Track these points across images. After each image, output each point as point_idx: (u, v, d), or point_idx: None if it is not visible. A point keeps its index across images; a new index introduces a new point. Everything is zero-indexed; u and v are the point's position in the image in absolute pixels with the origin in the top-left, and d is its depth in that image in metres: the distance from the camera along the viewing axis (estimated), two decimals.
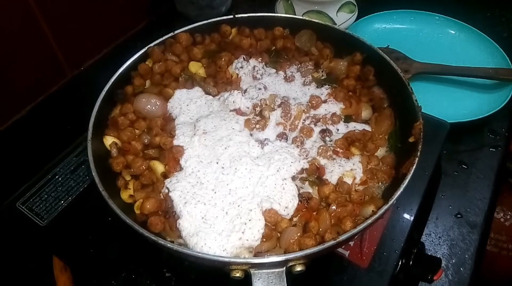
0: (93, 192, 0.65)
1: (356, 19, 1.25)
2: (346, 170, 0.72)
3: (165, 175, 0.72)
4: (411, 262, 0.76)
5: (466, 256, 0.84)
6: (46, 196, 0.87)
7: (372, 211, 0.65)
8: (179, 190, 0.68)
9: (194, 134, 0.75)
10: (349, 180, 0.71)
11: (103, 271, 0.79)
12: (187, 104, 0.82)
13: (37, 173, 0.90)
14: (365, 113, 0.82)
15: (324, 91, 0.85)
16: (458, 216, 0.90)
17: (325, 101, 0.83)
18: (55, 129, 1.03)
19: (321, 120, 0.80)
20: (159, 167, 0.73)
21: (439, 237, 0.87)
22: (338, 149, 0.75)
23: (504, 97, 1.02)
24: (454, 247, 0.86)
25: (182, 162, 0.72)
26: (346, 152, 0.75)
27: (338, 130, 0.79)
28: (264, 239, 0.64)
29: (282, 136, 0.77)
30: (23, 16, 0.98)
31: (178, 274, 0.77)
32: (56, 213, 0.85)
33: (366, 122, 0.81)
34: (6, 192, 0.88)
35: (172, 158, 0.73)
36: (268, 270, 0.58)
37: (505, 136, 1.03)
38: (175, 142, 0.74)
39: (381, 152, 0.78)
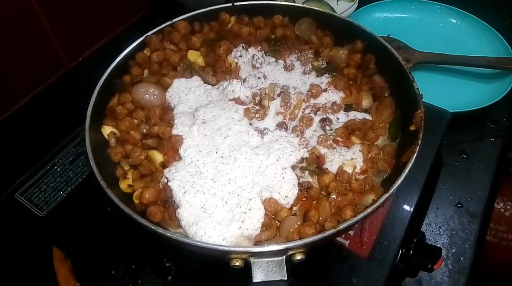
0: (92, 183, 0.65)
1: (357, 8, 1.23)
2: (346, 159, 0.72)
3: (164, 165, 0.72)
4: (411, 252, 0.76)
5: (466, 245, 0.84)
6: (45, 186, 0.87)
7: (373, 200, 0.65)
8: (178, 179, 0.67)
9: (193, 124, 0.74)
10: (349, 169, 0.71)
11: (103, 261, 0.79)
12: (185, 93, 0.81)
13: (36, 164, 0.90)
14: (366, 102, 0.81)
15: (324, 80, 0.84)
16: (459, 206, 0.90)
17: (325, 90, 0.82)
18: (54, 120, 1.02)
19: (321, 109, 0.79)
20: (158, 156, 0.73)
21: (439, 226, 0.87)
22: (338, 138, 0.74)
23: (506, 86, 1.01)
24: (454, 236, 0.86)
25: (181, 151, 0.72)
26: (346, 141, 0.74)
27: (338, 119, 0.78)
28: (263, 228, 0.64)
29: (281, 126, 0.77)
30: (20, 6, 0.97)
31: (178, 263, 0.77)
32: (55, 204, 0.85)
33: (366, 111, 0.80)
34: (5, 183, 0.88)
35: (171, 147, 0.72)
36: (268, 259, 0.57)
37: (506, 126, 1.03)
38: (174, 132, 0.74)
39: (381, 141, 0.77)
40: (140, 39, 0.85)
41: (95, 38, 1.21)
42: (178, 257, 0.77)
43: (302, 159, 0.72)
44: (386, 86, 0.82)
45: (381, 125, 0.78)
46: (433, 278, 0.80)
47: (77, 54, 1.18)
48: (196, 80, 0.84)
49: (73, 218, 0.83)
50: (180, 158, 0.72)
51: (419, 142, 0.66)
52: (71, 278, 0.78)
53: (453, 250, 0.84)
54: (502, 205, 1.33)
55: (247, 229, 0.63)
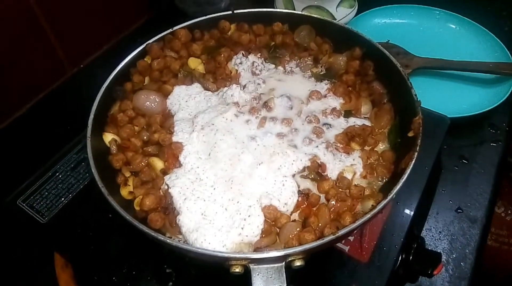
0: (93, 189, 0.65)
1: (356, 14, 1.24)
2: (346, 166, 0.72)
3: (165, 172, 0.72)
4: (411, 257, 0.76)
5: (467, 250, 0.84)
6: (46, 193, 0.87)
7: (372, 205, 0.65)
8: (179, 186, 0.68)
9: (193, 130, 0.75)
10: (349, 176, 0.71)
11: (104, 267, 0.79)
12: (186, 100, 0.82)
13: (38, 171, 0.90)
14: (365, 108, 0.82)
15: (323, 87, 0.84)
16: (459, 211, 0.90)
17: (324, 96, 0.82)
18: (55, 127, 1.03)
19: (321, 115, 0.79)
20: (158, 163, 0.73)
21: (440, 232, 0.87)
22: (339, 145, 0.75)
23: (505, 91, 1.02)
24: (455, 242, 0.85)
25: (181, 158, 0.72)
26: (346, 148, 0.75)
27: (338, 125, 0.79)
28: (263, 235, 0.64)
29: (282, 133, 0.77)
30: (23, 13, 0.98)
31: (178, 270, 0.77)
32: (56, 210, 0.85)
33: (365, 117, 0.81)
34: (7, 190, 0.88)
35: (171, 154, 0.73)
36: (268, 265, 0.57)
37: (506, 131, 1.03)
38: (174, 139, 0.74)
39: (381, 147, 0.77)
40: (141, 47, 0.86)
41: (97, 45, 1.22)
42: (179, 263, 0.77)
43: (304, 168, 0.72)
44: (385, 93, 0.82)
45: (380, 131, 0.78)
46: (433, 284, 0.80)
47: (79, 61, 1.19)
48: (196, 87, 0.84)
49: (74, 225, 0.83)
50: (180, 165, 0.72)
51: (418, 148, 0.66)
52: (73, 284, 0.79)
53: (454, 256, 0.84)
54: (503, 209, 1.33)
55: (247, 235, 0.63)
